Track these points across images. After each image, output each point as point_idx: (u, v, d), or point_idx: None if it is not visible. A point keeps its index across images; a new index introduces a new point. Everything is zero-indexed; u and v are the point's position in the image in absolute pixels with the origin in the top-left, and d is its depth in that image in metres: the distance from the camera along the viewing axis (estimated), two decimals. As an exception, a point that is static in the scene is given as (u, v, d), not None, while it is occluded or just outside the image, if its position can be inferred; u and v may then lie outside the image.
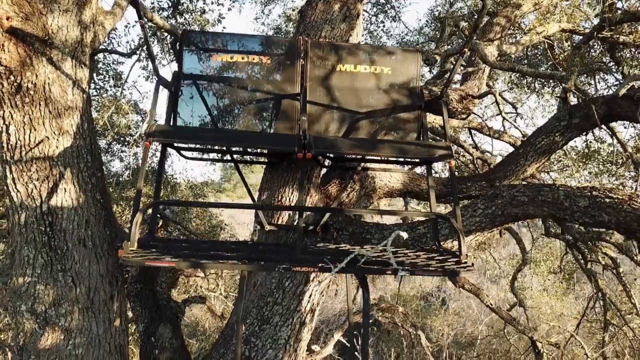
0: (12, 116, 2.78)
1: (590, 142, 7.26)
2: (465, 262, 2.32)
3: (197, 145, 3.37)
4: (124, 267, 3.43)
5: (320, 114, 3.15)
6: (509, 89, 9.17)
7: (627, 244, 4.50)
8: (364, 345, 2.39)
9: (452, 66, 5.03)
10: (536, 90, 9.09)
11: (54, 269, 2.96)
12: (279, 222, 3.60)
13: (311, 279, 3.64)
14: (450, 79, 2.77)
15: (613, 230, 2.68)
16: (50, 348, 2.96)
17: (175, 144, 2.96)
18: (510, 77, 9.19)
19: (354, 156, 3.27)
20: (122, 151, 9.17)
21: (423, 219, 3.33)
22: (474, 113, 6.09)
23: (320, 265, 2.19)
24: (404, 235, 2.11)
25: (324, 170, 4.15)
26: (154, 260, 2.08)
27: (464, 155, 6.90)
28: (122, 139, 8.89)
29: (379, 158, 3.29)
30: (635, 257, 4.29)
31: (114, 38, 9.88)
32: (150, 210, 2.98)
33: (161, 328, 3.89)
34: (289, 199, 3.67)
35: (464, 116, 4.89)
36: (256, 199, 3.63)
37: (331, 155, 3.41)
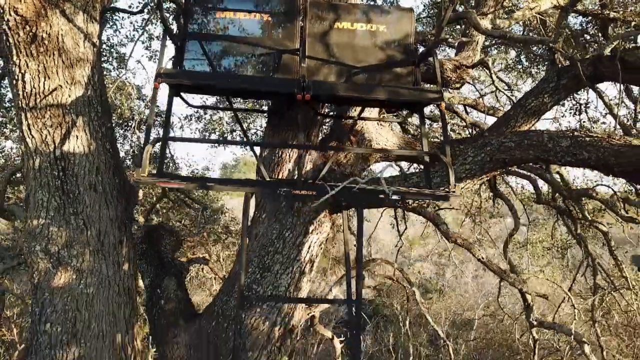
0: (27, 65, 2.95)
1: (584, 121, 7.42)
2: (454, 192, 2.48)
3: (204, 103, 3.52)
4: (132, 215, 3.60)
5: (319, 67, 3.31)
6: (506, 71, 9.31)
7: (612, 200, 4.65)
8: (358, 271, 2.56)
9: (445, 36, 5.20)
10: (531, 74, 9.23)
11: (66, 212, 3.13)
12: (280, 177, 3.78)
13: (310, 231, 3.81)
14: (441, 27, 2.93)
15: (593, 168, 2.85)
16: (63, 286, 3.12)
17: (182, 93, 3.11)
18: (506, 60, 9.33)
19: (351, 101, 3.42)
20: (124, 136, 9.32)
21: (415, 157, 3.51)
22: (469, 83, 6.25)
23: (318, 190, 2.36)
24: (396, 169, 2.27)
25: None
26: (164, 182, 2.25)
27: (457, 131, 7.06)
28: (124, 124, 9.03)
29: (376, 109, 3.46)
30: (619, 212, 4.45)
31: (117, 20, 10.01)
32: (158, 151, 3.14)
33: (166, 281, 4.05)
34: (289, 155, 3.84)
35: (457, 85, 5.05)
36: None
37: (329, 101, 3.55)
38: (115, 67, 8.16)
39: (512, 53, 9.45)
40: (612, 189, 4.66)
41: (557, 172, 6.19)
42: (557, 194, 5.37)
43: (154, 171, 2.83)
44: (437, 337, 11.23)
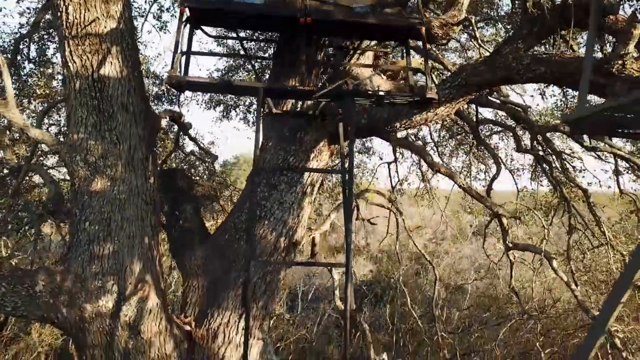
0: (70, -2, 3.46)
1: (567, 90, 7.91)
2: (430, 93, 3.00)
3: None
4: (155, 141, 4.10)
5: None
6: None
7: (578, 135, 5.17)
8: (350, 162, 3.06)
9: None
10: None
11: (102, 128, 3.64)
12: (284, 109, 4.30)
13: (311, 158, 4.32)
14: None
15: (549, 82, 3.34)
16: (100, 191, 3.63)
17: (202, 26, 3.62)
18: (495, 37, 9.85)
19: (346, 30, 3.91)
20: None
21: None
22: (454, 39, 6.76)
23: (317, 89, 2.88)
24: (385, 89, 2.77)
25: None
26: (192, 77, 2.76)
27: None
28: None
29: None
30: (583, 143, 4.94)
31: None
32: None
33: (184, 204, 4.56)
34: (292, 89, 4.36)
35: (444, 41, 5.56)
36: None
37: (327, 31, 4.01)
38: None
39: (502, 32, 9.98)
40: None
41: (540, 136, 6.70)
42: (535, 142, 5.89)
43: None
44: (431, 306, 11.72)
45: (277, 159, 4.25)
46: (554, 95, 9.17)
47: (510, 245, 5.18)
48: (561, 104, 7.77)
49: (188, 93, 10.65)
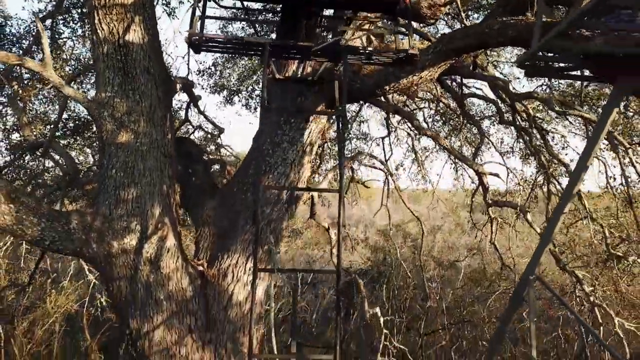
0: (99, -27, 3.96)
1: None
2: (411, 50, 3.49)
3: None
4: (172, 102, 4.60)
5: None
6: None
7: (549, 99, 5.66)
8: (343, 105, 3.56)
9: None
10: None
11: (126, 87, 4.14)
12: (286, 74, 4.80)
13: (310, 120, 4.82)
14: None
15: (518, 44, 3.83)
16: (124, 143, 4.13)
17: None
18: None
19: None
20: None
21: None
22: (442, 19, 7.24)
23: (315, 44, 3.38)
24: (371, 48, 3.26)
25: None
26: (209, 34, 3.26)
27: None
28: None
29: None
30: (554, 107, 5.43)
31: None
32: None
33: (195, 164, 5.06)
34: (294, 62, 4.86)
35: (432, 21, 6.06)
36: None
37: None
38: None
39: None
40: (550, 88, 5.69)
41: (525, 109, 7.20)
42: (516, 114, 6.38)
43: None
44: (425, 288, 12.24)
45: (279, 120, 4.75)
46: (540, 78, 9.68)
47: (490, 201, 5.69)
48: (545, 87, 8.30)
49: (193, 79, 11.18)
